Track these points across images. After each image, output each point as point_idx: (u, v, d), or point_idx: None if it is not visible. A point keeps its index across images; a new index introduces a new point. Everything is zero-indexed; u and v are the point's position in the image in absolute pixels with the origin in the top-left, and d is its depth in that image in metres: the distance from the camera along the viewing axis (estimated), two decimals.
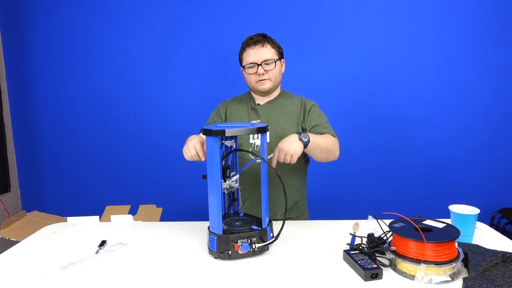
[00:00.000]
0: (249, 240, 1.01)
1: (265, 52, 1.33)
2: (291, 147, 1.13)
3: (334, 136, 1.36)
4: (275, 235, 1.05)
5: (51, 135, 2.57)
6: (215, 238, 1.01)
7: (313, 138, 1.20)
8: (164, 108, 2.50)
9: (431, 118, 2.40)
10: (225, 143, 1.12)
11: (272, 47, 1.35)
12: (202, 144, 1.16)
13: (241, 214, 1.22)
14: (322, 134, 1.33)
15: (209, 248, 1.05)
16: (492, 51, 2.32)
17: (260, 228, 1.06)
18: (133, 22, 2.43)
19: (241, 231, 1.04)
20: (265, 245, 1.03)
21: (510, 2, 2.27)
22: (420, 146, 2.43)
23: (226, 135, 0.98)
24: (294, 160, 1.13)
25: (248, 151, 1.13)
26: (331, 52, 2.39)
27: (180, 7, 2.40)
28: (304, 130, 1.40)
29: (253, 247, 1.01)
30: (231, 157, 1.18)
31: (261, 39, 1.34)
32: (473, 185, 2.44)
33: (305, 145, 1.16)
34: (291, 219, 1.45)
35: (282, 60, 1.42)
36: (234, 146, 1.17)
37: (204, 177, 1.06)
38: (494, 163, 2.42)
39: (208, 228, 1.06)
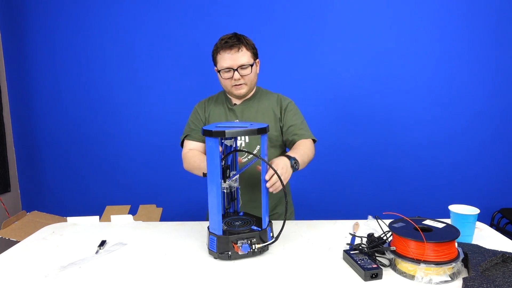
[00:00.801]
0: (249, 241, 1.01)
1: (241, 56, 1.30)
2: (287, 175, 1.11)
3: (310, 138, 1.36)
4: (275, 235, 1.05)
5: (51, 135, 2.57)
6: (215, 238, 1.01)
7: (301, 160, 1.20)
8: (164, 108, 2.50)
9: (431, 118, 2.40)
10: (225, 143, 1.12)
11: (247, 49, 1.32)
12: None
13: (241, 213, 1.22)
14: (300, 136, 1.35)
15: (208, 248, 1.04)
16: (491, 51, 2.32)
17: (260, 229, 1.06)
18: (136, 22, 2.43)
19: (241, 231, 1.04)
20: (265, 245, 1.03)
21: (510, 2, 2.27)
22: (420, 146, 2.43)
23: (226, 136, 0.97)
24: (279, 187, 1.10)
25: (247, 152, 1.12)
26: (331, 52, 2.39)
27: (179, 7, 2.40)
28: (281, 128, 1.41)
29: (253, 248, 1.01)
30: (231, 156, 1.18)
31: (236, 42, 1.30)
32: (473, 185, 2.44)
33: (295, 170, 1.17)
34: (276, 214, 1.47)
35: (257, 60, 1.40)
36: (234, 146, 1.17)
37: (205, 175, 1.06)
38: (494, 163, 2.42)
39: (208, 228, 1.06)
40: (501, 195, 2.45)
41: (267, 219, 1.09)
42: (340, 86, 2.42)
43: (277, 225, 1.31)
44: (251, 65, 1.33)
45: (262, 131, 1.03)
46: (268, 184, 1.06)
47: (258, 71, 1.42)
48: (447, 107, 2.39)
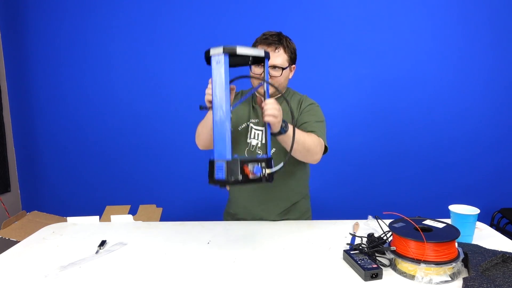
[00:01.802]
0: (260, 163, 0.94)
1: (276, 57, 1.26)
2: (272, 112, 1.03)
3: (320, 138, 1.27)
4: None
5: (51, 135, 2.57)
6: (223, 164, 0.92)
7: (291, 131, 1.11)
8: (164, 108, 2.50)
9: (431, 118, 2.40)
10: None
11: (285, 52, 1.27)
12: None
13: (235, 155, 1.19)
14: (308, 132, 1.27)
15: (215, 179, 0.94)
16: (492, 52, 2.32)
17: (266, 156, 1.02)
18: (135, 21, 2.43)
19: (248, 159, 0.97)
20: (275, 171, 0.97)
21: None
22: (420, 146, 2.43)
23: (238, 52, 0.94)
24: (267, 114, 1.04)
25: (253, 77, 1.08)
26: (334, 52, 2.39)
27: (186, 5, 2.40)
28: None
29: (264, 172, 0.95)
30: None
31: (276, 41, 1.26)
32: (473, 185, 2.44)
33: (282, 131, 1.09)
34: (290, 219, 1.43)
35: (293, 66, 1.35)
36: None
37: (201, 108, 1.03)
38: (494, 163, 2.42)
39: (210, 162, 0.97)
40: (501, 195, 2.45)
41: (269, 149, 1.05)
42: (340, 87, 2.42)
43: (276, 225, 1.32)
44: (284, 69, 1.28)
45: (267, 55, 1.03)
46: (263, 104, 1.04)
47: (290, 77, 1.36)
48: (447, 108, 2.39)
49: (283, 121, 1.09)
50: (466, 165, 2.43)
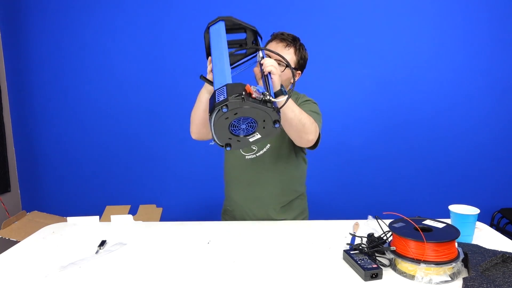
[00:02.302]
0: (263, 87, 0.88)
1: (285, 54, 1.28)
2: (272, 66, 1.04)
3: (315, 122, 1.25)
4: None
5: (51, 135, 2.57)
6: (225, 87, 0.85)
7: (292, 103, 1.10)
8: (164, 108, 2.50)
9: (431, 119, 2.40)
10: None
11: (295, 54, 1.29)
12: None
13: None
14: None
15: (215, 103, 0.84)
16: (492, 52, 2.32)
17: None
18: (135, 20, 2.43)
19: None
20: (277, 101, 0.90)
21: None
22: (420, 146, 2.43)
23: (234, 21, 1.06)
24: (267, 65, 1.04)
25: (254, 47, 1.09)
26: (334, 51, 2.39)
27: (188, 5, 2.40)
28: None
29: (266, 95, 0.86)
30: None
31: (290, 40, 1.29)
32: (473, 185, 2.44)
33: (282, 91, 1.07)
34: (287, 219, 1.42)
35: (298, 72, 1.35)
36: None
37: (202, 77, 1.04)
38: (494, 163, 2.42)
39: (211, 97, 0.90)
40: (501, 195, 2.45)
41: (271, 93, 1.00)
42: (340, 87, 2.42)
43: (273, 225, 1.31)
44: (288, 66, 1.25)
45: (259, 34, 1.12)
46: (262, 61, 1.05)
47: (292, 81, 1.32)
48: (447, 108, 2.39)
49: (282, 85, 1.08)
50: (466, 165, 2.43)
